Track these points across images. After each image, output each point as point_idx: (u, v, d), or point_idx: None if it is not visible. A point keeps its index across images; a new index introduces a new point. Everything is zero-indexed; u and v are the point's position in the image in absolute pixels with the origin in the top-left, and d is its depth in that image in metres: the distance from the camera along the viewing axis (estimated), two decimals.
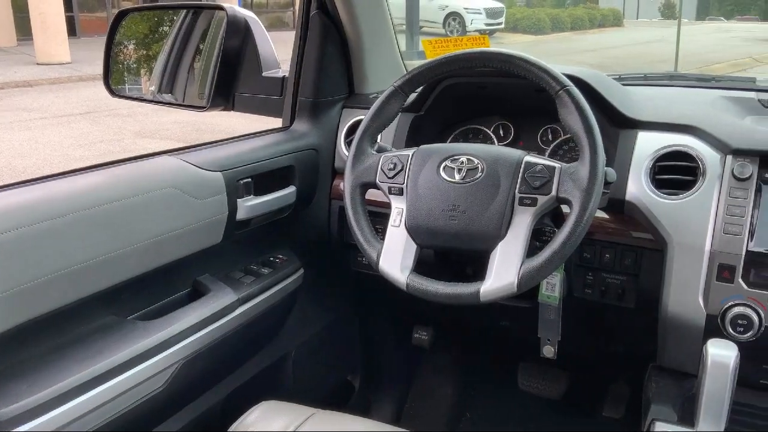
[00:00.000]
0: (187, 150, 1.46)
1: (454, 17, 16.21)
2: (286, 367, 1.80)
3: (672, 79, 1.82)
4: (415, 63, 1.39)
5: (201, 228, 1.37)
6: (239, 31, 1.70)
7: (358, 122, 1.39)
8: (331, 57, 1.72)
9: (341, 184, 1.36)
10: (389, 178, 1.29)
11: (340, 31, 1.72)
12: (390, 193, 1.29)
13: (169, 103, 1.87)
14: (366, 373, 2.13)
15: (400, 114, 1.48)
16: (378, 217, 1.44)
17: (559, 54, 13.41)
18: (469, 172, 1.23)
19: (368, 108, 1.36)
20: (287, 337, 1.76)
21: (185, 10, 1.87)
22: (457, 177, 1.23)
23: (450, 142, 1.68)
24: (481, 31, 16.09)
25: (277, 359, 1.75)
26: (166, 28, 1.92)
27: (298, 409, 1.21)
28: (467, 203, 1.21)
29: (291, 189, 1.62)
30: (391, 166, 1.29)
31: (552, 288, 1.43)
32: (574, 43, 16.14)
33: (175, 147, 1.50)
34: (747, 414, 1.33)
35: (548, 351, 1.48)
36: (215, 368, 1.51)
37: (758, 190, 1.27)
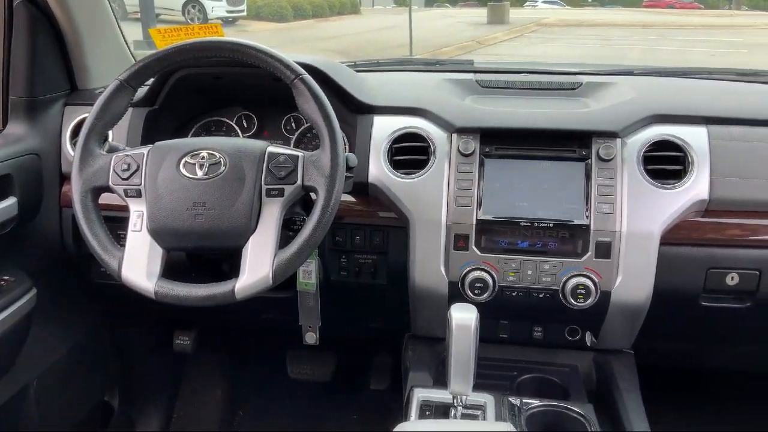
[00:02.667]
0: None
1: (193, 4, 15.61)
2: (27, 403, 1.60)
3: (402, 64, 1.93)
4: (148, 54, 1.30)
5: None
6: None
7: (83, 121, 1.26)
8: (44, 51, 1.54)
9: (71, 190, 1.23)
10: (124, 179, 1.20)
11: (52, 22, 1.55)
12: (127, 195, 1.19)
13: None
14: (125, 389, 1.98)
15: (131, 109, 1.37)
16: (117, 222, 1.33)
17: (303, 41, 13.62)
18: (212, 167, 1.18)
19: (93, 105, 1.24)
20: (24, 369, 1.56)
21: None
22: (200, 173, 1.18)
23: (192, 136, 1.61)
24: (223, 19, 15.72)
25: (13, 395, 1.54)
26: None
27: None
28: (213, 200, 1.16)
29: (10, 201, 1.43)
30: (125, 166, 1.20)
31: (309, 275, 1.45)
32: (317, 30, 16.48)
33: None
34: (491, 367, 1.47)
35: (311, 338, 1.49)
36: None
37: (481, 164, 1.40)
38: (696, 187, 1.36)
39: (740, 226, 1.38)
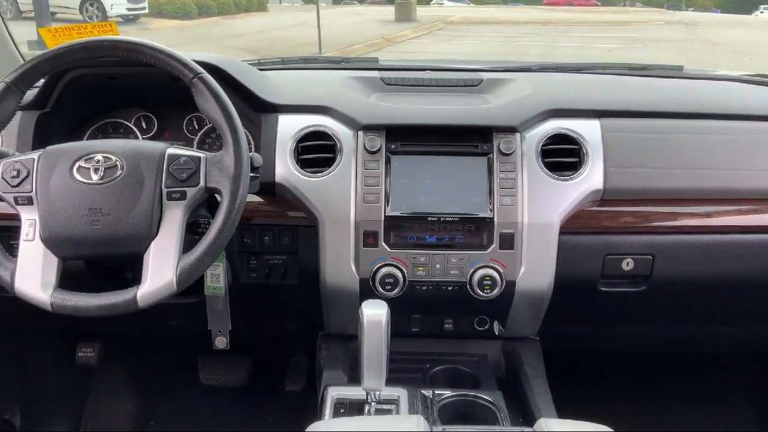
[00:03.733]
0: None
1: (91, 2, 14.95)
2: None
3: (307, 62, 1.92)
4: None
5: None
6: None
7: None
8: None
9: None
10: (14, 186, 1.14)
11: None
12: (17, 203, 1.14)
13: None
14: (27, 406, 1.88)
15: (20, 113, 1.30)
16: (8, 232, 1.26)
17: (208, 39, 13.32)
18: (108, 171, 1.14)
19: None
20: None
21: None
22: (95, 177, 1.14)
23: (87, 139, 1.55)
24: (123, 17, 15.17)
25: None
26: None
27: None
28: (110, 205, 1.12)
29: None
30: (14, 173, 1.14)
31: (217, 279, 1.42)
32: (223, 28, 16.16)
33: None
34: (404, 361, 1.49)
35: (221, 342, 1.47)
36: None
37: (388, 161, 1.41)
38: (591, 178, 1.42)
39: (633, 214, 1.45)
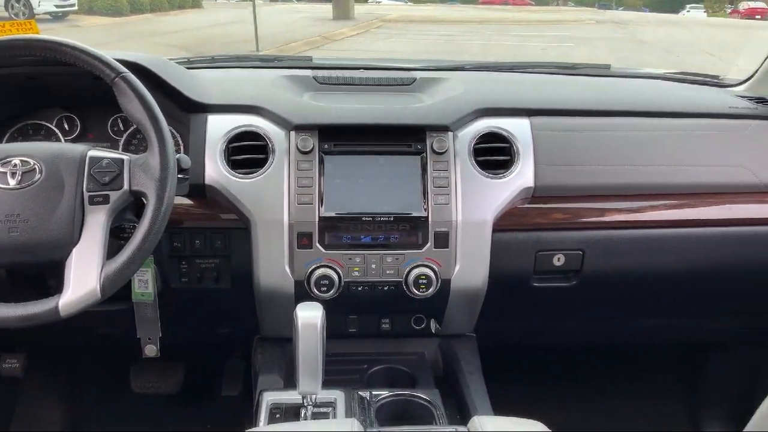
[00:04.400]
0: None
1: None
2: None
3: (239, 60, 1.88)
4: None
5: None
6: None
7: None
8: None
9: None
10: None
11: None
12: None
13: None
14: None
15: None
16: None
17: (140, 37, 12.95)
18: (26, 176, 1.09)
19: None
20: None
21: None
22: (12, 182, 1.09)
23: (6, 142, 1.47)
24: (52, 14, 14.61)
25: None
26: None
27: None
28: (29, 211, 1.08)
29: None
30: None
31: (145, 285, 1.38)
32: (156, 25, 15.75)
33: None
34: (342, 362, 1.48)
35: (151, 350, 1.43)
36: None
37: (321, 161, 1.39)
38: (522, 176, 1.44)
39: (563, 211, 1.48)
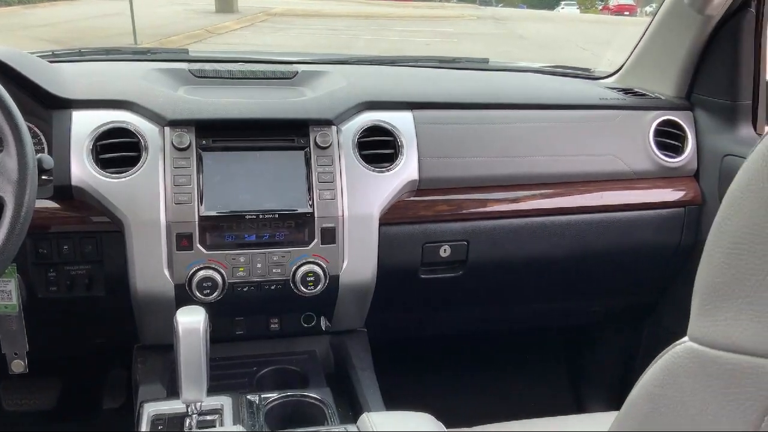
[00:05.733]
0: None
1: None
2: None
3: (108, 53, 1.77)
4: None
5: None
6: None
7: None
8: None
9: None
10: None
11: None
12: None
13: None
14: None
15: None
16: None
17: (7, 30, 12.08)
18: None
19: None
20: None
21: None
22: None
23: None
24: None
25: None
26: None
27: None
28: None
29: None
30: None
31: (7, 296, 1.27)
32: (25, 18, 14.72)
33: None
34: (229, 366, 1.43)
35: (17, 366, 1.32)
36: None
37: (199, 158, 1.33)
38: (407, 169, 1.44)
39: (448, 202, 1.50)
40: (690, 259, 1.68)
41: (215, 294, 1.32)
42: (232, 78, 1.58)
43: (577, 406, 2.11)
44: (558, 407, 2.10)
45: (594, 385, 2.10)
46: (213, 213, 1.32)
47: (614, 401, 2.01)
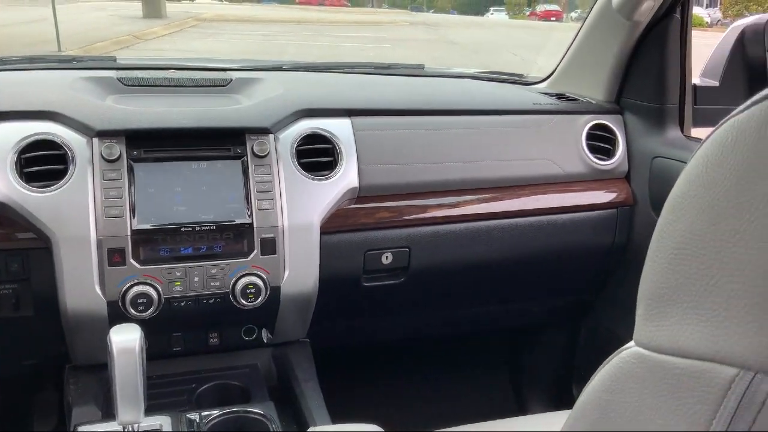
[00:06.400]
0: None
1: None
2: None
3: (32, 62, 1.69)
4: None
5: None
6: None
7: None
8: None
9: None
10: None
11: None
12: None
13: None
14: None
15: None
16: None
17: None
18: None
19: None
20: None
21: None
22: None
23: None
24: None
25: None
26: None
27: None
28: None
29: None
30: None
31: None
32: None
33: None
34: (167, 384, 1.38)
35: None
36: None
37: (131, 169, 1.29)
38: (346, 177, 1.43)
39: (389, 209, 1.49)
40: (624, 258, 1.73)
41: (150, 310, 1.27)
42: (164, 86, 1.53)
43: (519, 406, 2.14)
44: (502, 408, 2.12)
45: (535, 386, 2.13)
46: (146, 226, 1.27)
47: (554, 401, 2.05)
